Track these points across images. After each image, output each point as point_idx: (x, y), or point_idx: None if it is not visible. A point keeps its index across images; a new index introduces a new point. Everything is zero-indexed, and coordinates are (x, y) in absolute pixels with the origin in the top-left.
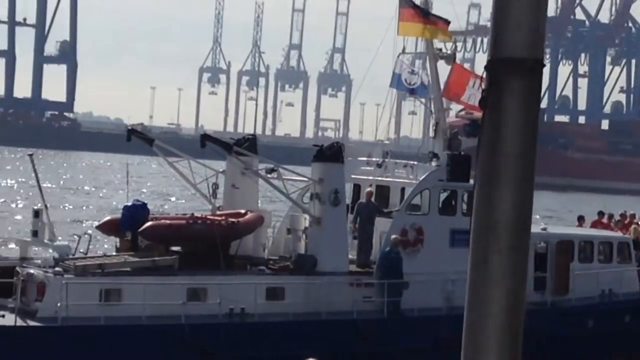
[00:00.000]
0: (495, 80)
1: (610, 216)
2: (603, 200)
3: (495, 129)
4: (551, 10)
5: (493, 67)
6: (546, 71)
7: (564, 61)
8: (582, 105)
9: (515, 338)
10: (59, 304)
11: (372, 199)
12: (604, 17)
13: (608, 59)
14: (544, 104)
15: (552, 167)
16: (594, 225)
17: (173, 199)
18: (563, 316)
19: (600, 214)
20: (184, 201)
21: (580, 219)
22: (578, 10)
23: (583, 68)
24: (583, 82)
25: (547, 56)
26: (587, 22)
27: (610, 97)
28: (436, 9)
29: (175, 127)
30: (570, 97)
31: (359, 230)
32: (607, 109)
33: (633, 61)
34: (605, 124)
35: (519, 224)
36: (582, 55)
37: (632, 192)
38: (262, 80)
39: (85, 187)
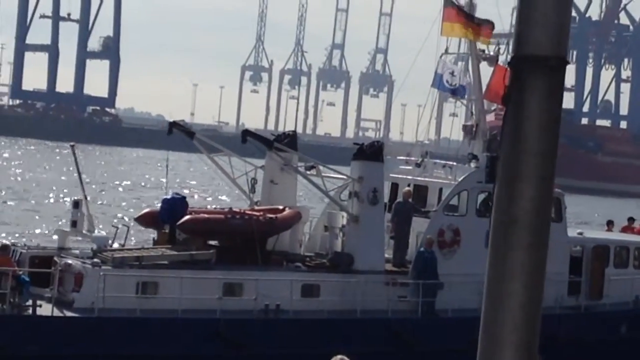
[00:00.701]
0: (518, 77)
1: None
2: (630, 204)
3: (517, 126)
4: (595, 14)
5: (516, 64)
6: (589, 75)
7: (607, 65)
8: (624, 110)
9: (532, 334)
10: (96, 295)
11: (410, 199)
12: None
13: None
14: (586, 108)
15: (580, 170)
16: (624, 230)
17: (210, 194)
18: (597, 321)
19: (631, 220)
20: (223, 196)
21: (610, 224)
22: (622, 15)
23: (626, 73)
24: (625, 87)
25: (590, 60)
26: (631, 27)
27: None
28: (480, 10)
29: (216, 125)
30: (613, 101)
31: (395, 229)
32: None
33: None
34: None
35: (538, 221)
36: (625, 60)
37: None
38: (303, 80)
39: (125, 182)
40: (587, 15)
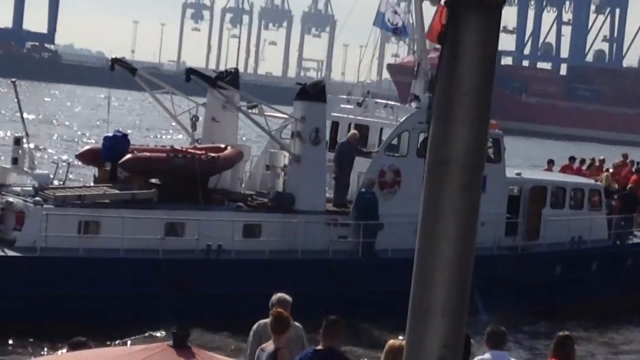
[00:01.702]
0: (453, 16)
1: (582, 161)
2: (553, 145)
3: (452, 65)
4: None
5: (452, 3)
6: (530, 18)
7: (548, 8)
8: (565, 52)
9: (464, 274)
10: (38, 234)
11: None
12: None
13: (592, 7)
14: (527, 50)
15: (505, 111)
16: (564, 170)
17: (152, 131)
18: (533, 261)
19: (572, 159)
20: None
21: (550, 163)
22: None
23: (567, 16)
24: (567, 30)
25: (532, 2)
26: None
27: (594, 45)
28: None
29: (157, 63)
30: (554, 44)
31: (337, 169)
32: (590, 57)
33: (617, 10)
34: (564, 70)
35: (472, 162)
36: (567, 2)
37: (588, 139)
38: (245, 18)
39: (64, 120)
40: None
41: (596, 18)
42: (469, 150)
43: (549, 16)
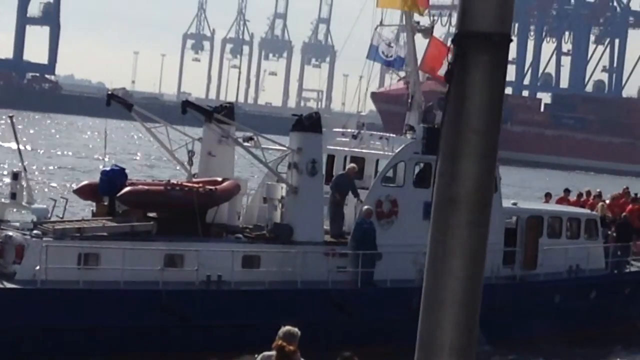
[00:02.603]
0: (461, 54)
1: (579, 195)
2: (540, 174)
3: (460, 103)
4: None
5: (460, 41)
6: (530, 48)
7: (548, 39)
8: (564, 83)
9: (472, 312)
10: (37, 267)
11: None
12: None
13: (592, 37)
14: (526, 81)
15: None
16: (560, 202)
17: (149, 165)
18: (531, 290)
19: (567, 191)
20: (160, 168)
21: (547, 196)
22: None
23: (567, 46)
24: (566, 60)
25: (532, 33)
26: (572, 0)
27: (593, 75)
28: None
29: (157, 93)
30: (553, 74)
31: (332, 200)
32: (590, 87)
33: (616, 41)
34: (548, 99)
35: (480, 199)
36: (567, 33)
37: (573, 168)
38: (245, 49)
39: (64, 151)
40: None
41: (595, 48)
42: (477, 188)
43: (548, 47)
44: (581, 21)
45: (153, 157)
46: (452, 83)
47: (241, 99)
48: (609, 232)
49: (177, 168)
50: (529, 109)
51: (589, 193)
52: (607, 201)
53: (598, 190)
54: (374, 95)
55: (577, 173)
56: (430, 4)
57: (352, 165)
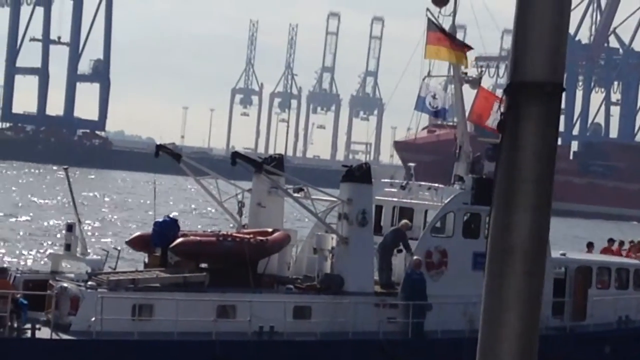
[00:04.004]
0: (513, 104)
1: (621, 243)
2: (571, 223)
3: (513, 154)
4: (585, 38)
5: (512, 91)
6: (578, 98)
7: (597, 89)
8: (614, 132)
9: None
10: (93, 318)
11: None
12: (638, 46)
13: None
14: (575, 131)
15: None
16: (604, 252)
17: (199, 216)
18: (581, 342)
19: (611, 241)
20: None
21: (590, 246)
22: (612, 38)
23: (615, 96)
24: (615, 110)
25: (580, 83)
26: (620, 50)
27: None
28: (470, 34)
29: (206, 148)
30: (602, 124)
31: (379, 251)
32: None
33: None
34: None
35: (535, 249)
36: (615, 83)
37: (603, 216)
38: (294, 102)
39: (116, 204)
40: (576, 38)
41: None
42: (532, 238)
43: (597, 97)
44: (630, 71)
45: (202, 209)
46: (505, 133)
47: (290, 153)
48: None
49: (227, 219)
50: (558, 157)
51: (631, 242)
52: None
53: None
54: (397, 144)
55: (608, 222)
56: (478, 55)
57: (405, 221)
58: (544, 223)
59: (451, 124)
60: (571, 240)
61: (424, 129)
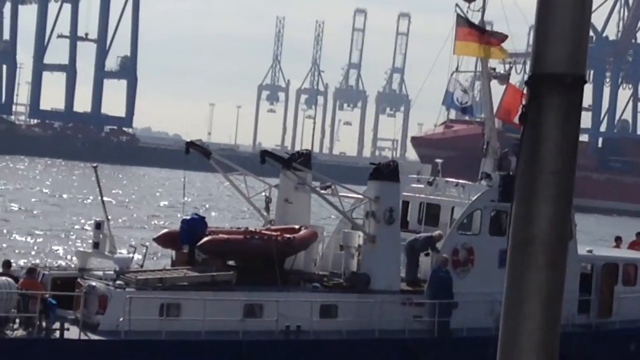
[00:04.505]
0: (535, 96)
1: None
2: (589, 219)
3: (534, 145)
4: (612, 34)
5: (533, 83)
6: (606, 95)
7: (624, 85)
8: None
9: (550, 353)
10: (121, 318)
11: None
12: None
13: None
14: (603, 128)
15: None
16: (632, 246)
17: (226, 213)
18: (607, 339)
19: (638, 235)
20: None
21: (618, 240)
22: (639, 35)
23: None
24: None
25: (607, 80)
26: None
27: None
28: (497, 29)
29: (233, 145)
30: (630, 121)
31: (408, 250)
32: None
33: None
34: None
35: (556, 241)
36: None
37: (620, 212)
38: (320, 99)
39: (143, 201)
40: (604, 34)
41: None
42: (553, 230)
43: (624, 93)
44: None
45: (231, 205)
46: (527, 125)
47: (316, 149)
48: None
49: (256, 216)
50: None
51: None
52: None
53: None
54: (414, 140)
55: (628, 218)
56: (510, 50)
57: (440, 232)
58: (565, 214)
59: (471, 119)
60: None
61: (441, 124)
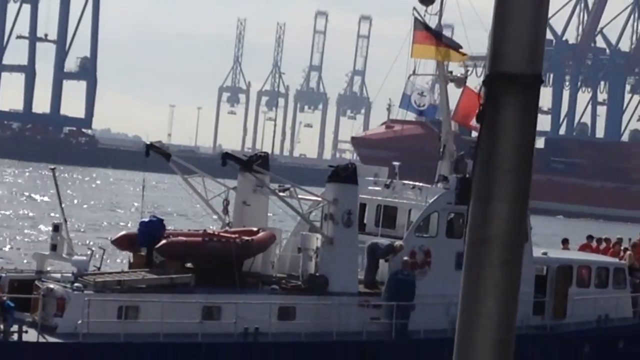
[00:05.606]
0: (492, 95)
1: (598, 240)
2: (544, 221)
3: (492, 144)
4: (572, 38)
5: (491, 82)
6: (565, 98)
7: (584, 88)
8: (600, 132)
9: (506, 352)
10: (79, 321)
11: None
12: (625, 46)
13: (627, 87)
14: (562, 131)
15: None
16: (583, 249)
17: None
18: (562, 340)
19: (590, 238)
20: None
21: (565, 242)
22: (599, 38)
23: (602, 96)
24: (602, 110)
25: (567, 83)
26: (607, 50)
27: (629, 125)
28: (457, 33)
29: (193, 146)
30: (589, 124)
31: (369, 254)
32: (625, 137)
33: None
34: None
35: (512, 239)
36: (602, 83)
37: (562, 213)
38: (281, 101)
39: (100, 204)
40: (563, 38)
41: (631, 98)
42: (510, 228)
43: (584, 96)
44: (617, 71)
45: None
46: (484, 124)
47: (277, 151)
48: (637, 281)
49: (215, 218)
50: None
51: (608, 240)
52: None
53: (618, 237)
54: (355, 140)
55: (568, 219)
56: (470, 53)
57: (401, 243)
58: (521, 213)
59: (415, 120)
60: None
61: (382, 124)
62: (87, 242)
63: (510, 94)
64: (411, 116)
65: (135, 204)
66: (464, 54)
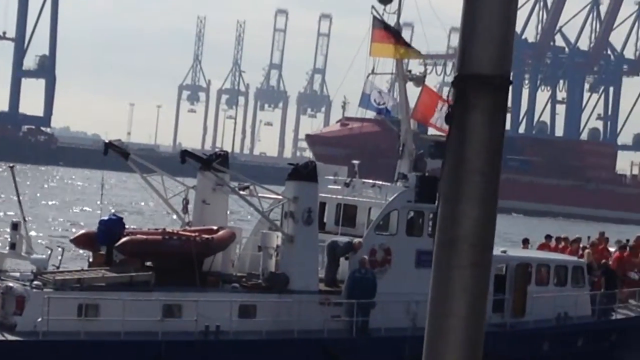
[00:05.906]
0: (461, 97)
1: (557, 239)
2: (509, 220)
3: (460, 146)
4: (531, 36)
5: (459, 83)
6: (524, 97)
7: (543, 87)
8: (559, 131)
9: (475, 352)
10: (39, 319)
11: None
12: (584, 44)
13: (586, 85)
14: (521, 129)
15: None
16: (541, 248)
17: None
18: (521, 338)
19: (548, 237)
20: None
21: (525, 242)
22: (558, 37)
23: (561, 94)
24: (561, 109)
25: (526, 82)
26: (566, 49)
27: (588, 123)
28: (417, 32)
29: (152, 145)
30: (548, 123)
31: (329, 253)
32: (584, 135)
33: (611, 89)
34: None
35: (481, 241)
36: (561, 81)
37: (517, 211)
38: (241, 99)
39: (60, 202)
40: (523, 37)
41: (590, 97)
42: (479, 229)
43: (543, 95)
44: (576, 69)
45: (148, 206)
46: (453, 125)
47: (237, 150)
48: (595, 279)
49: (174, 217)
50: None
51: (566, 239)
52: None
53: (577, 236)
54: (309, 138)
55: (523, 217)
56: (424, 52)
57: (360, 240)
58: (490, 214)
59: (371, 118)
60: (500, 236)
61: (337, 122)
62: (47, 240)
63: (480, 96)
64: (369, 114)
65: (97, 203)
66: (419, 53)
